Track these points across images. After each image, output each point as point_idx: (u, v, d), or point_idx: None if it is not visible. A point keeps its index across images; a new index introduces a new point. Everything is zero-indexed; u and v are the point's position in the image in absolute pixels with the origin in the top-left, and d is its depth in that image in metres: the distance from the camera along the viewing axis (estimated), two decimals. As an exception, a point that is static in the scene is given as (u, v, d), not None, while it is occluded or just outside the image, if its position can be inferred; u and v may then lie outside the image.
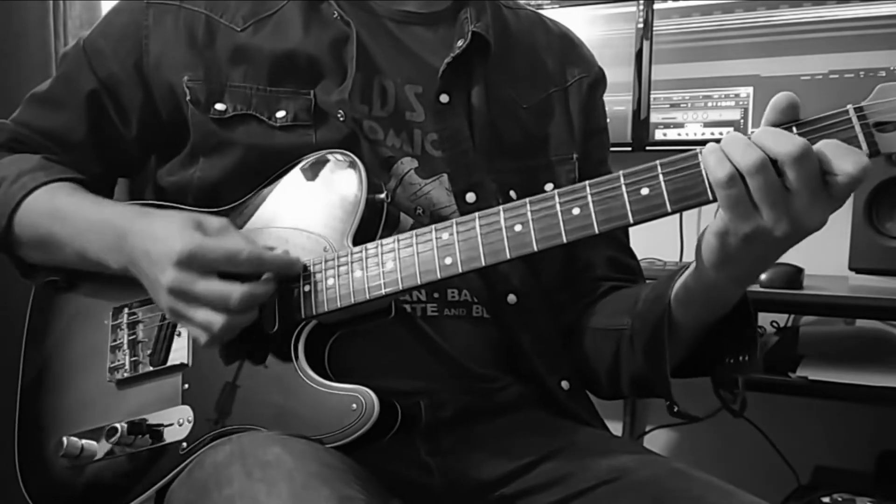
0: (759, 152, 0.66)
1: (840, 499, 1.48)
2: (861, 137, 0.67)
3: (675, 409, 0.87)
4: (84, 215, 0.89)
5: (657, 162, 0.72)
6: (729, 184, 0.67)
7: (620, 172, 0.73)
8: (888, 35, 1.58)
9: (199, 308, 0.79)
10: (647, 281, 1.05)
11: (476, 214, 0.78)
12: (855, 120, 0.67)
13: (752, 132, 0.70)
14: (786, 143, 0.66)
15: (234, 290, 0.78)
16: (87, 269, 0.90)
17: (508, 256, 0.76)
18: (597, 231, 0.73)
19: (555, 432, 0.93)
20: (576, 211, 0.74)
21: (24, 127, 0.98)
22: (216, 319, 0.79)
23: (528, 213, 0.76)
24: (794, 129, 0.69)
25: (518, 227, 0.76)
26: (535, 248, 0.75)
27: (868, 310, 1.42)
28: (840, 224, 1.49)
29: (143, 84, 0.95)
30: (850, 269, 1.50)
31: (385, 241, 0.81)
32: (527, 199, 0.76)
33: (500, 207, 0.77)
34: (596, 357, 0.97)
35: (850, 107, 0.68)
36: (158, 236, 0.81)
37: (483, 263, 0.77)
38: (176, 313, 0.82)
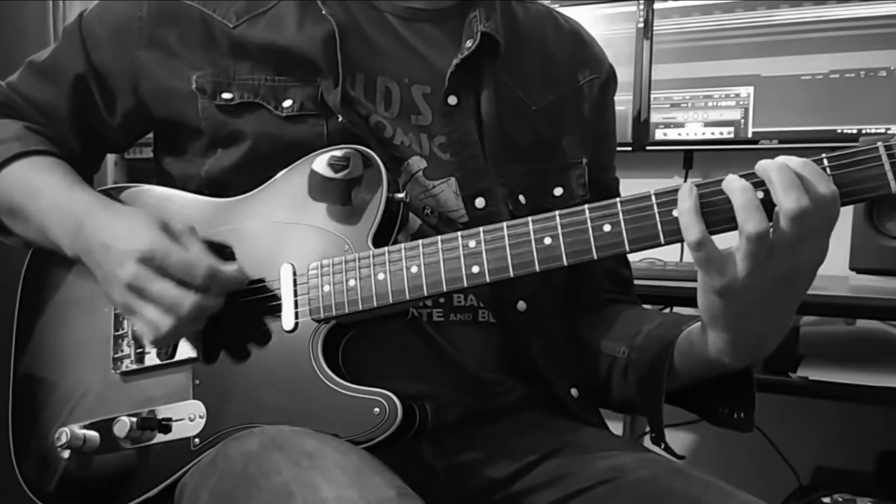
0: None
1: (840, 499, 1.48)
2: (890, 175, 0.69)
3: (662, 446, 0.89)
4: (52, 196, 0.90)
5: (689, 182, 0.72)
6: (700, 245, 0.70)
7: (651, 192, 0.74)
8: (888, 35, 1.59)
9: (151, 306, 0.81)
10: (638, 301, 1.07)
11: (503, 224, 0.78)
12: (885, 157, 0.69)
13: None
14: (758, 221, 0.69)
15: (187, 299, 0.80)
16: (47, 247, 0.92)
17: (538, 269, 0.76)
18: (627, 249, 0.74)
19: (556, 430, 0.93)
20: (607, 228, 0.74)
21: (16, 93, 0.99)
22: (164, 322, 0.80)
23: (558, 227, 0.76)
24: (826, 160, 0.71)
25: (548, 240, 0.76)
26: (566, 263, 0.76)
27: (868, 310, 1.42)
28: (840, 224, 1.48)
29: (134, 78, 0.95)
30: (851, 268, 1.50)
31: (408, 244, 0.80)
32: (556, 212, 0.76)
33: (529, 219, 0.77)
34: (587, 371, 0.98)
35: (880, 144, 0.69)
36: (121, 233, 0.83)
37: (511, 274, 0.77)
38: (127, 308, 0.83)
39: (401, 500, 0.65)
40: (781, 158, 0.70)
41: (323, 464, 0.68)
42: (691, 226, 0.70)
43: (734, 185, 0.70)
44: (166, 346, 0.86)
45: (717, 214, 0.71)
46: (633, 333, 0.92)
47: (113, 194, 0.94)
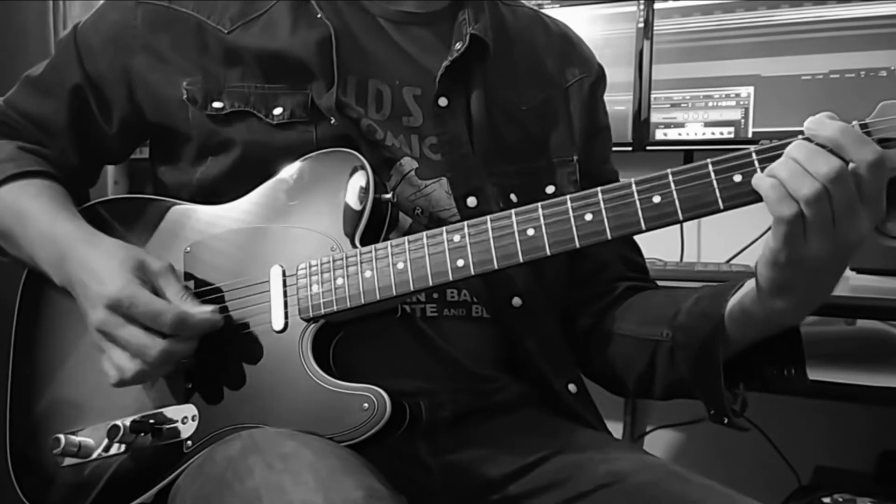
0: (818, 183, 0.67)
1: (841, 499, 1.48)
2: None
3: (726, 421, 0.85)
4: (39, 225, 0.91)
5: (668, 170, 0.73)
6: (794, 221, 0.69)
7: (632, 180, 0.74)
8: (888, 35, 1.58)
9: (119, 350, 0.82)
10: (658, 285, 1.07)
11: (487, 218, 0.79)
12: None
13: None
14: (829, 164, 0.67)
15: (154, 346, 0.81)
16: (40, 272, 0.93)
17: (521, 260, 0.77)
18: (609, 237, 0.75)
19: (553, 432, 0.93)
20: (588, 217, 0.75)
21: (13, 109, 1.00)
22: (129, 367, 0.82)
23: (541, 218, 0.77)
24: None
25: (531, 232, 0.77)
26: (549, 253, 0.76)
27: (869, 310, 1.41)
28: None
29: (128, 85, 0.96)
30: (851, 268, 1.50)
31: (394, 241, 0.81)
32: (538, 204, 0.77)
33: (512, 211, 0.78)
34: (624, 363, 0.97)
35: (855, 123, 0.69)
36: (96, 272, 0.84)
37: (496, 266, 0.78)
38: (98, 347, 0.85)
39: (367, 502, 0.65)
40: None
41: (296, 466, 0.68)
42: (786, 200, 0.69)
43: (767, 190, 0.70)
44: (128, 387, 0.86)
45: (695, 200, 0.72)
46: (672, 313, 0.90)
47: (107, 208, 0.95)
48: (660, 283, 1.45)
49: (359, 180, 0.84)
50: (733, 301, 0.83)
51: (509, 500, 0.88)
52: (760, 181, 0.70)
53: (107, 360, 0.83)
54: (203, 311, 0.83)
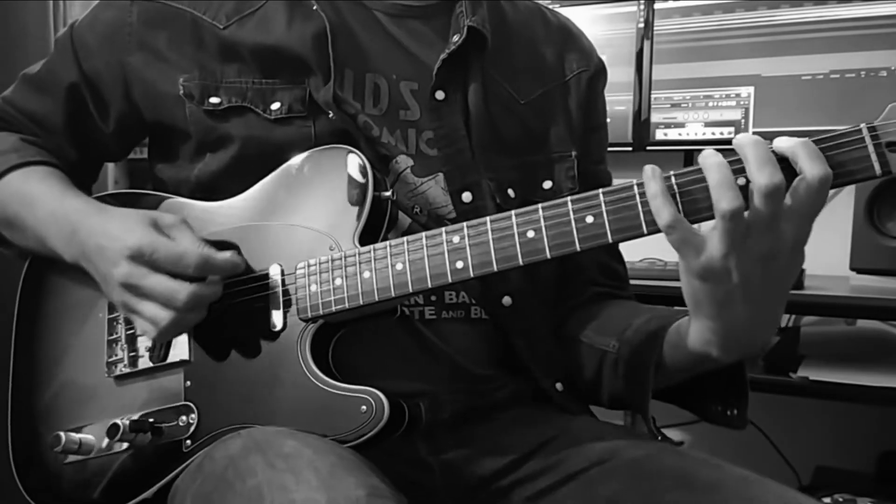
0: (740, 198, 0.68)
1: (841, 499, 1.48)
2: (874, 157, 0.67)
3: (659, 438, 0.88)
4: (48, 205, 0.91)
5: (671, 173, 0.72)
6: (672, 228, 0.69)
7: (633, 182, 0.72)
8: (888, 35, 1.58)
9: (148, 302, 0.81)
10: (632, 295, 1.06)
11: (487, 219, 0.77)
12: (868, 139, 0.67)
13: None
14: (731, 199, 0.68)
15: (182, 290, 0.80)
16: (46, 255, 0.93)
17: (521, 263, 0.76)
18: (610, 240, 0.73)
19: (549, 422, 0.93)
20: (589, 219, 0.74)
21: (11, 106, 1.00)
22: (163, 315, 0.81)
23: (541, 220, 0.75)
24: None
25: (531, 234, 0.75)
26: (549, 256, 0.75)
27: (869, 310, 1.42)
28: (841, 224, 1.49)
29: (125, 83, 0.95)
30: (851, 269, 1.50)
31: (393, 242, 0.81)
32: (539, 205, 0.76)
33: (512, 212, 0.77)
34: (577, 368, 0.97)
35: (863, 126, 0.67)
36: (112, 233, 0.84)
37: (495, 269, 0.77)
38: (127, 307, 0.84)
39: (370, 500, 0.64)
40: (772, 141, 0.69)
41: (297, 465, 0.68)
42: (662, 209, 0.69)
43: (710, 161, 0.69)
44: (170, 339, 0.87)
45: (696, 203, 0.70)
46: (624, 327, 0.91)
47: (107, 199, 0.95)
48: (660, 283, 1.46)
49: (358, 177, 0.84)
50: (675, 325, 0.84)
51: (507, 489, 0.88)
52: (708, 158, 0.69)
53: (138, 317, 0.83)
54: (224, 254, 0.83)
